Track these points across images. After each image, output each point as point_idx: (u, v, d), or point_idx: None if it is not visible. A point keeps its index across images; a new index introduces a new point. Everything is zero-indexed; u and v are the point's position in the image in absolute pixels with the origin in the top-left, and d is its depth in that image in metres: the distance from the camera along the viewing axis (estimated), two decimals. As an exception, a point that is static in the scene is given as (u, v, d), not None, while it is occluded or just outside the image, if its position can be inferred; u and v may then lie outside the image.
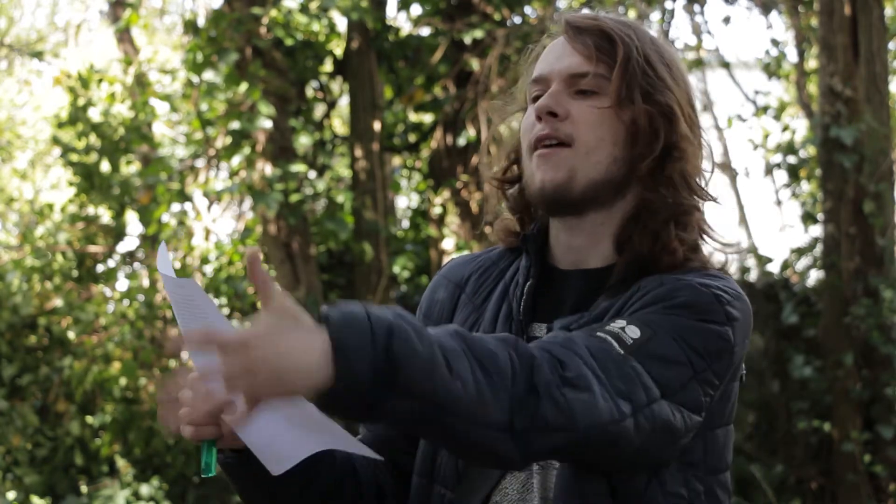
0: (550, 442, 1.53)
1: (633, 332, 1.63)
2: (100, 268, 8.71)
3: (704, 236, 1.83)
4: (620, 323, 1.64)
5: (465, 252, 8.21)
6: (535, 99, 1.83)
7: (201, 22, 7.88)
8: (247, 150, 7.44)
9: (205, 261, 8.30)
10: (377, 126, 8.20)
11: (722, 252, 1.85)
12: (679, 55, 1.88)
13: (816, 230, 7.95)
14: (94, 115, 8.40)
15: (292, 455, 1.74)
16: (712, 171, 1.86)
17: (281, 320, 1.42)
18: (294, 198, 7.40)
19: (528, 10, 8.59)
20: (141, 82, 8.69)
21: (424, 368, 1.45)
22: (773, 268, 8.50)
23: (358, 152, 8.14)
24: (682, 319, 1.66)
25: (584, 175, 1.77)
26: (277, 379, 1.41)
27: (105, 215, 8.61)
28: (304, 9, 7.54)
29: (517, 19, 8.61)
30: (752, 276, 8.44)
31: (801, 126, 9.83)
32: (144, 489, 7.89)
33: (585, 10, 1.93)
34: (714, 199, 1.84)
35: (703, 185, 1.82)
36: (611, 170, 1.78)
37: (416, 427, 1.55)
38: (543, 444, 1.53)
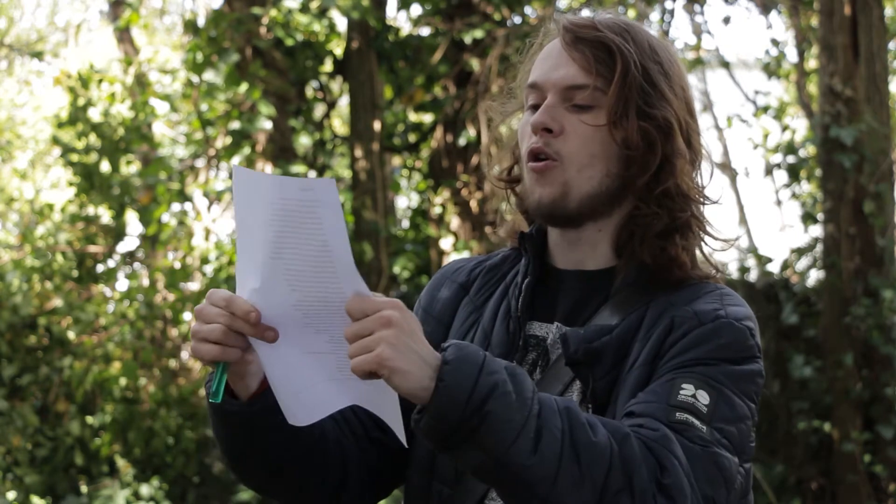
0: None
1: (704, 399, 1.65)
2: (100, 268, 8.69)
3: (705, 240, 1.84)
4: (688, 389, 1.65)
5: (465, 252, 8.21)
6: (533, 106, 1.83)
7: (201, 22, 7.89)
8: (247, 150, 7.44)
9: (205, 261, 8.28)
10: (377, 126, 8.20)
11: (722, 250, 1.86)
12: (676, 56, 1.85)
13: (816, 230, 7.95)
14: (94, 115, 8.39)
15: (322, 406, 1.64)
16: (711, 176, 1.85)
17: (416, 322, 1.52)
18: (294, 198, 7.38)
19: (528, 10, 8.58)
20: (141, 82, 8.68)
21: (506, 436, 1.51)
22: (773, 268, 8.49)
23: (358, 152, 8.13)
24: (733, 368, 1.69)
25: (577, 189, 1.78)
26: (398, 365, 1.49)
27: (105, 215, 8.60)
28: (304, 9, 7.53)
29: (517, 19, 8.61)
30: (752, 276, 8.43)
31: (801, 126, 9.84)
32: (144, 489, 7.88)
33: (584, 13, 1.89)
34: (713, 202, 1.84)
35: (698, 193, 1.82)
36: (605, 182, 1.78)
37: (485, 479, 1.59)
38: None
